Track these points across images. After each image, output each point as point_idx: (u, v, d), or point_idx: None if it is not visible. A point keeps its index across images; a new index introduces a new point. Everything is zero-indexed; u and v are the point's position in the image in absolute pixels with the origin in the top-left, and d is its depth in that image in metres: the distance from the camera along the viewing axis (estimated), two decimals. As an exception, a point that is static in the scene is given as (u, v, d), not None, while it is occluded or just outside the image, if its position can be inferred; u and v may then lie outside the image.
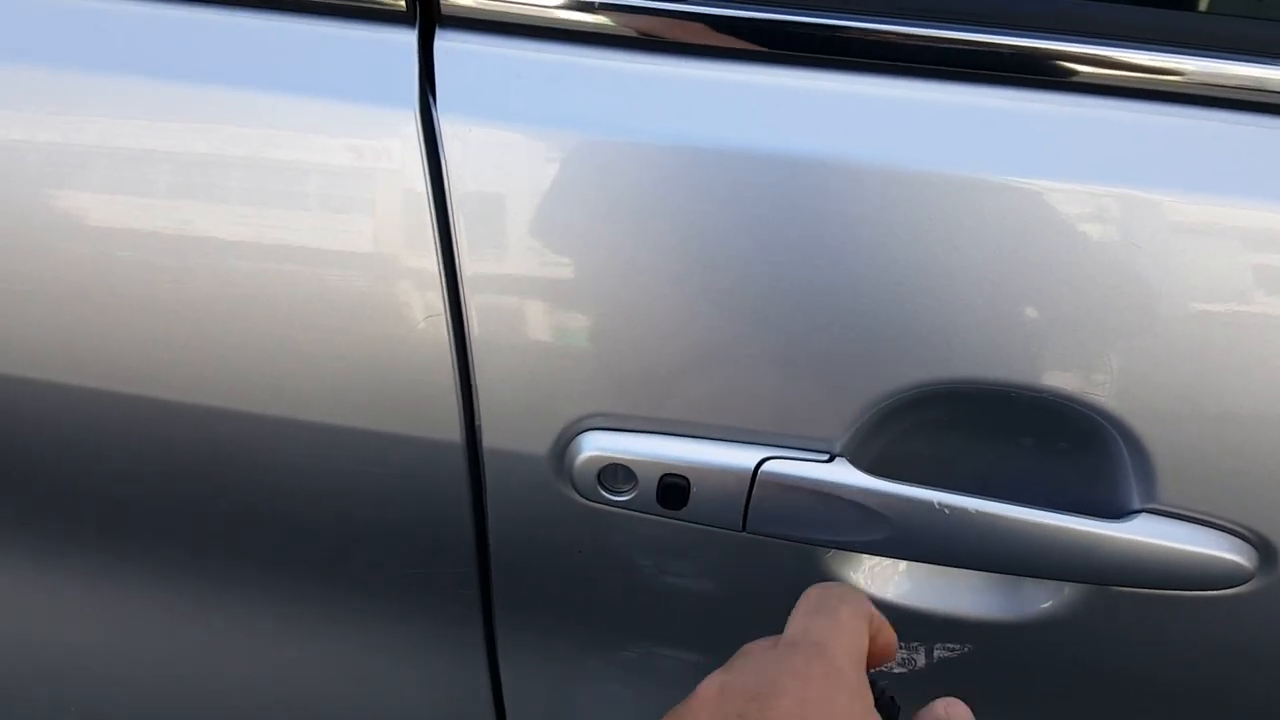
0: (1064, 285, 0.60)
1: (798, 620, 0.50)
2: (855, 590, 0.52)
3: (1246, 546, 0.64)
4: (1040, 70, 0.59)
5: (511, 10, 0.60)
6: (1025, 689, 0.78)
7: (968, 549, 0.66)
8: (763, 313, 0.62)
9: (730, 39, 0.60)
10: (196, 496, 0.77)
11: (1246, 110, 0.59)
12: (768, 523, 0.67)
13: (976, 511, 0.64)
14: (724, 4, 0.59)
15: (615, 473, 0.67)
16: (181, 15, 0.62)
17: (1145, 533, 0.64)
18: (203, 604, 0.87)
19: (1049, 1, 0.60)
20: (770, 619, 0.50)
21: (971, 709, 0.48)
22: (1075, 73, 0.59)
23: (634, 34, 0.60)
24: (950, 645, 0.74)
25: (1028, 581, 0.71)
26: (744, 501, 0.66)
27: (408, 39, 0.61)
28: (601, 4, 0.59)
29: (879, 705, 0.47)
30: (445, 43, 0.61)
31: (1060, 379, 0.62)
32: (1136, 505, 0.65)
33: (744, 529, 0.67)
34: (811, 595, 0.51)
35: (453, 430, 0.68)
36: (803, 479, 0.65)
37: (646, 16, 0.60)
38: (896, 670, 0.51)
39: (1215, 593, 0.66)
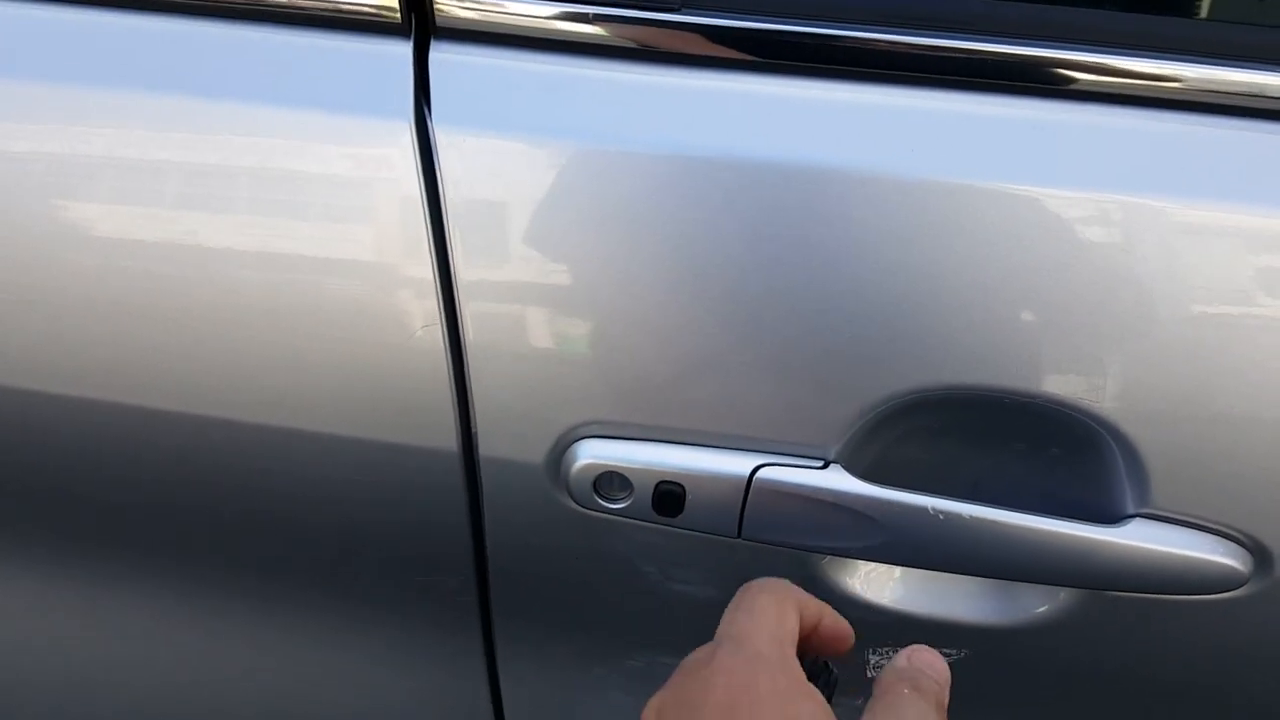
0: (1058, 291, 0.60)
1: (724, 620, 0.51)
2: (778, 581, 0.52)
3: (1241, 550, 0.65)
4: (1035, 78, 0.59)
5: (506, 21, 0.60)
6: (1022, 693, 0.78)
7: (962, 554, 0.66)
8: (757, 320, 0.62)
9: (722, 48, 0.60)
10: (195, 506, 0.77)
11: (1245, 116, 0.59)
12: (763, 530, 0.67)
13: (970, 517, 0.64)
14: (716, 14, 0.60)
15: (611, 480, 0.68)
16: (175, 28, 0.63)
17: (1139, 537, 0.64)
18: (203, 613, 0.87)
19: (1044, 9, 0.60)
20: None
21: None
22: (1073, 80, 0.59)
23: (627, 44, 0.60)
24: (946, 650, 0.74)
25: (1023, 586, 0.71)
26: (739, 509, 0.66)
27: (403, 50, 0.61)
28: (595, 15, 0.60)
29: (813, 677, 0.48)
30: (440, 54, 0.61)
31: (1054, 384, 0.62)
32: (1131, 510, 0.65)
33: (739, 536, 0.67)
34: (737, 594, 0.52)
35: (449, 439, 0.68)
36: (797, 486, 0.65)
37: (639, 27, 0.60)
38: (871, 675, 0.51)
39: (1210, 597, 0.66)
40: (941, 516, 0.64)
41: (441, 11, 0.60)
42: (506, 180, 0.61)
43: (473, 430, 0.68)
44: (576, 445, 0.67)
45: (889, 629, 0.71)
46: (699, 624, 0.49)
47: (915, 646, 0.52)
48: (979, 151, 0.59)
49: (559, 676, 0.85)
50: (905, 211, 0.59)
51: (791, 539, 0.68)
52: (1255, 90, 0.59)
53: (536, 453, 0.68)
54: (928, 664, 0.50)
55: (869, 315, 0.61)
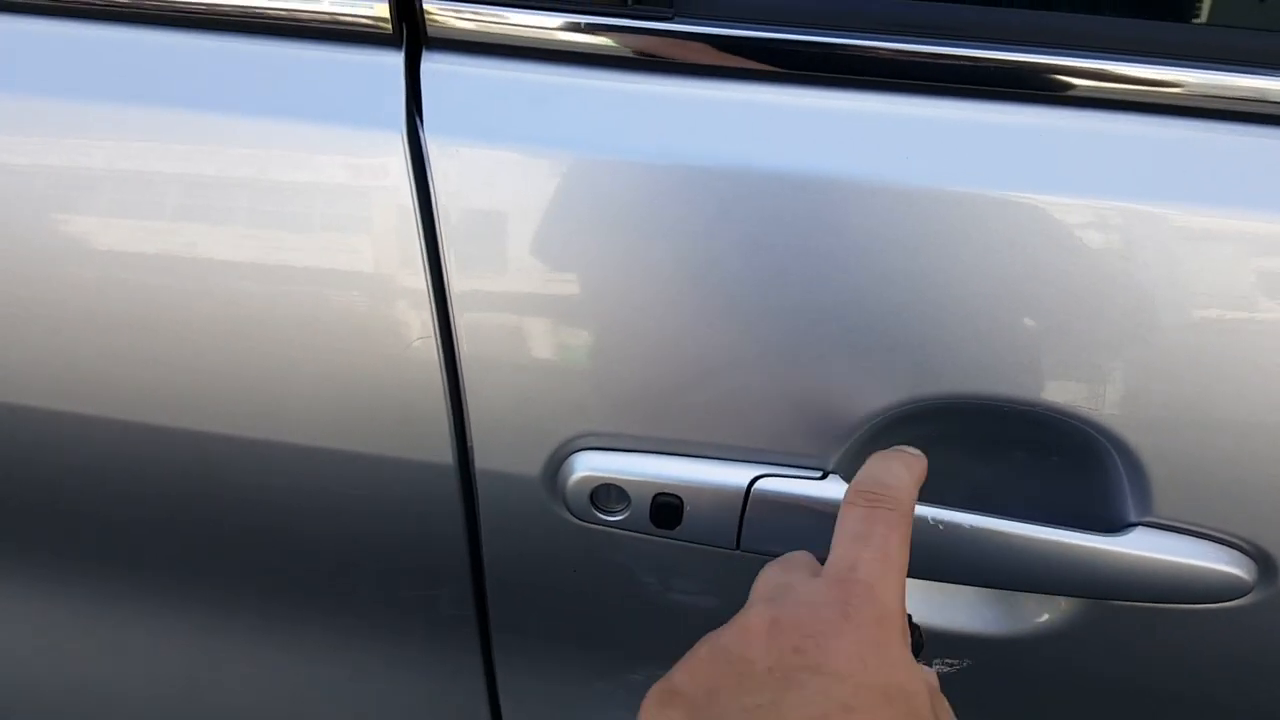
0: (1058, 299, 0.59)
1: (843, 548, 0.50)
2: (902, 508, 0.51)
3: (1244, 559, 0.64)
4: (1034, 84, 0.59)
5: (497, 31, 0.60)
6: (1025, 703, 0.77)
7: (963, 565, 0.65)
8: (754, 330, 0.62)
9: (717, 57, 0.60)
10: (194, 522, 0.77)
11: (1247, 122, 0.59)
12: (762, 541, 0.66)
13: (971, 527, 0.64)
14: (711, 23, 0.59)
15: (608, 493, 0.67)
16: (167, 41, 0.62)
17: (1142, 546, 0.64)
18: (203, 629, 0.87)
19: (1042, 15, 0.60)
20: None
21: None
22: (1072, 86, 0.59)
23: (620, 53, 0.60)
24: (949, 660, 0.74)
25: (1025, 596, 0.70)
26: (737, 520, 0.66)
27: (395, 61, 0.61)
28: (589, 24, 0.59)
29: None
30: (432, 64, 0.61)
31: (1054, 393, 0.61)
32: (1133, 519, 0.64)
33: (738, 547, 0.67)
34: (856, 514, 0.51)
35: (445, 451, 0.68)
36: (796, 496, 0.65)
37: (633, 35, 0.59)
38: None
39: (1214, 605, 0.66)
40: (941, 527, 0.64)
41: (433, 22, 0.60)
42: (499, 190, 0.61)
43: (469, 443, 0.68)
44: (573, 457, 0.67)
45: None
46: (699, 636, 0.48)
47: (873, 457, 0.53)
48: (978, 159, 0.59)
49: (558, 690, 0.84)
50: (903, 220, 0.59)
51: (791, 550, 0.67)
52: (1257, 95, 0.58)
53: (533, 465, 0.68)
54: (875, 476, 0.52)
55: (867, 324, 0.61)
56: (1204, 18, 0.64)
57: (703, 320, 0.62)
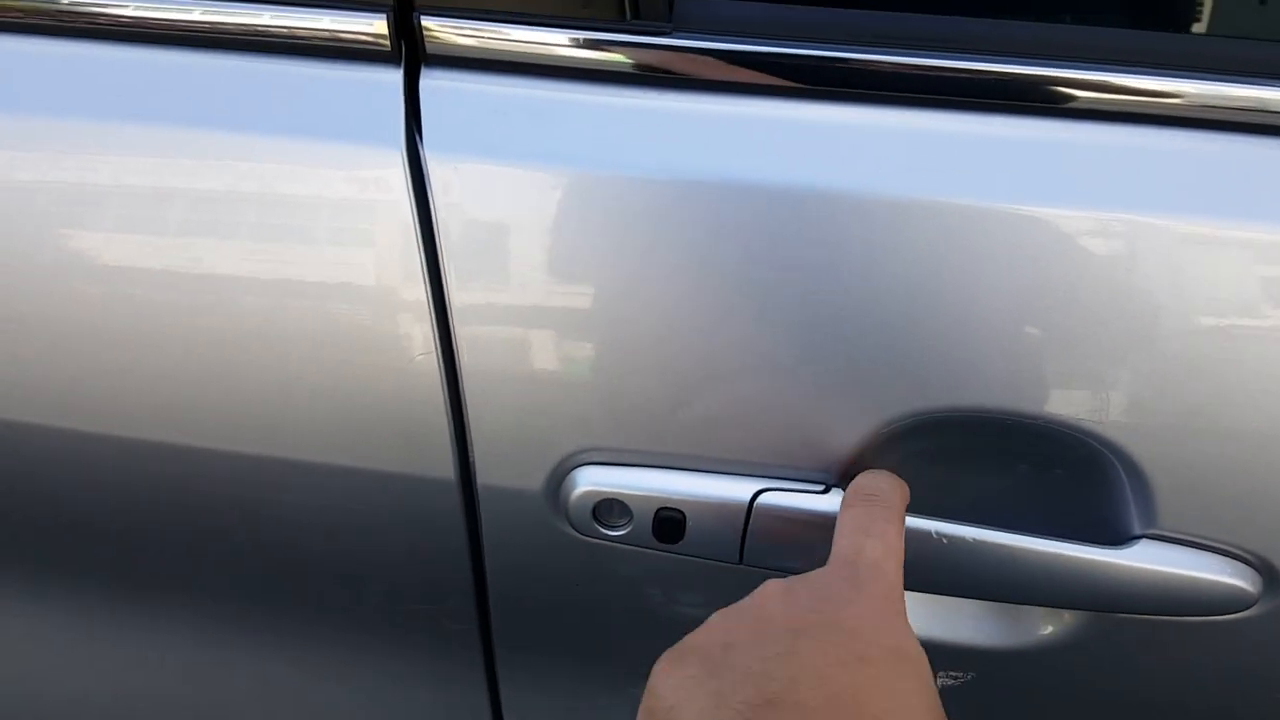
0: (1060, 311, 0.59)
1: (847, 539, 0.53)
2: (896, 508, 0.55)
3: (1249, 570, 0.64)
4: (1033, 96, 0.59)
5: (495, 47, 0.60)
6: (1030, 715, 0.77)
7: (966, 578, 0.65)
8: (755, 344, 0.62)
9: (715, 71, 0.59)
10: (200, 539, 0.77)
11: (1248, 132, 0.59)
12: (765, 555, 0.66)
13: (974, 540, 0.64)
14: (710, 37, 0.59)
15: (611, 507, 0.67)
16: (169, 60, 0.63)
17: (1146, 559, 0.63)
18: (205, 644, 0.87)
19: (1041, 27, 0.60)
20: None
21: None
22: (1072, 98, 0.59)
23: (618, 68, 0.60)
24: (952, 673, 0.74)
25: (1027, 608, 0.70)
26: (740, 534, 0.66)
27: (394, 78, 0.61)
28: (586, 39, 0.59)
29: None
30: (430, 81, 0.61)
31: (1057, 405, 0.61)
32: (1137, 531, 0.64)
33: (741, 561, 0.67)
34: (856, 513, 0.54)
35: (447, 467, 0.68)
36: (799, 511, 0.65)
37: (630, 50, 0.59)
38: None
39: (1219, 618, 0.65)
40: (945, 540, 0.64)
41: (432, 38, 0.60)
42: (499, 205, 0.61)
43: (470, 458, 0.67)
44: (575, 472, 0.67)
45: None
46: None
47: (860, 474, 0.57)
48: (979, 172, 0.59)
49: (561, 704, 0.84)
50: (903, 233, 0.59)
51: (794, 564, 0.67)
52: (1257, 105, 0.58)
53: (535, 480, 0.68)
54: (867, 483, 0.56)
55: (869, 338, 0.61)
56: (1204, 28, 0.64)
57: (704, 334, 0.62)
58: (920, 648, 0.49)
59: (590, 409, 0.65)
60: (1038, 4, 0.65)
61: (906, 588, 0.69)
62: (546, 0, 0.59)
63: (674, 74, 0.60)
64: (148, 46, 0.62)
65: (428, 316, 0.63)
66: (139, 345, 0.66)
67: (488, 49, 0.60)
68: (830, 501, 0.64)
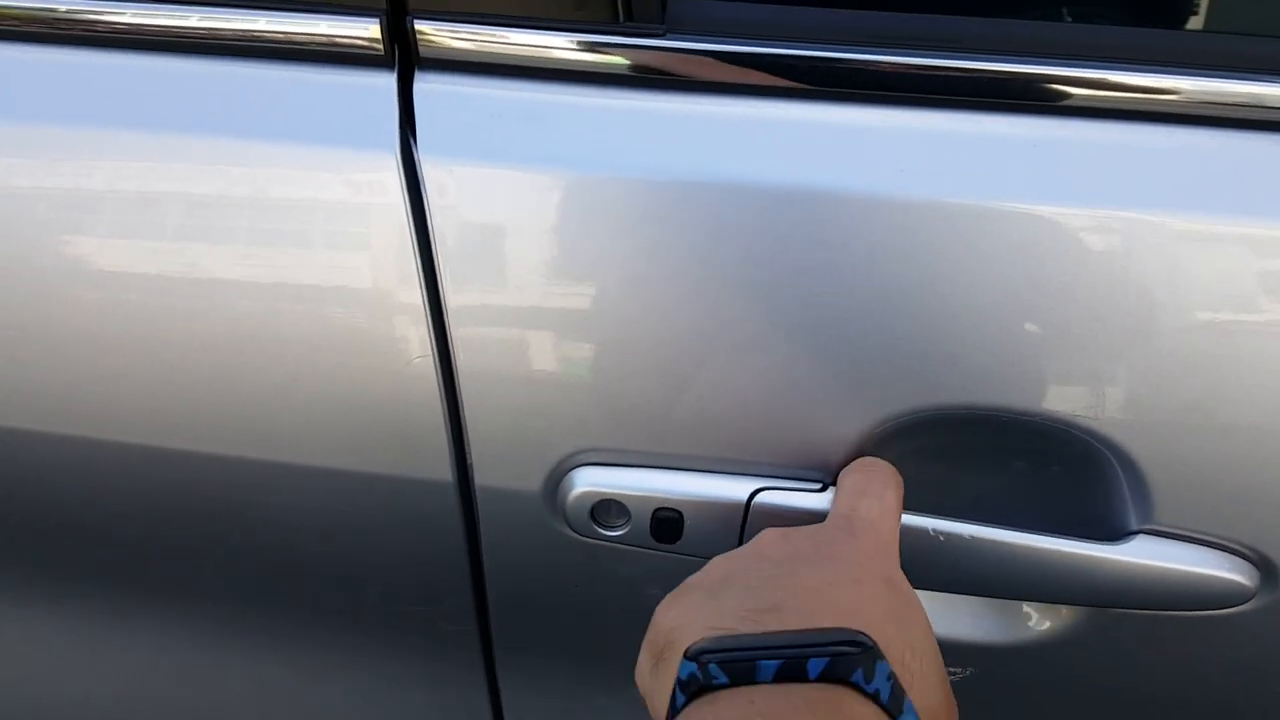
0: (1056, 308, 0.59)
1: (845, 499, 0.55)
2: (894, 474, 0.56)
3: (1246, 565, 0.64)
4: (1029, 94, 0.59)
5: (488, 50, 0.60)
6: (1027, 712, 0.77)
7: (963, 575, 0.65)
8: (752, 343, 0.62)
9: (709, 72, 0.60)
10: (197, 543, 0.77)
11: (1244, 128, 0.58)
12: (763, 554, 0.66)
13: (971, 537, 0.64)
14: (703, 38, 0.59)
15: (608, 508, 0.67)
16: (165, 66, 0.63)
17: (1143, 554, 0.63)
18: (203, 647, 0.87)
19: (1036, 25, 0.60)
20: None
21: None
22: (1068, 95, 0.58)
23: (611, 70, 0.60)
24: (952, 669, 0.74)
25: (1027, 604, 0.70)
26: (738, 533, 0.66)
27: (387, 82, 0.61)
28: (580, 42, 0.59)
29: None
30: (424, 85, 0.61)
31: (1053, 402, 0.61)
32: (1134, 526, 0.64)
33: (738, 561, 0.67)
34: (855, 477, 0.56)
35: (444, 469, 0.68)
36: (796, 509, 0.64)
37: (624, 52, 0.59)
38: None
39: (1216, 612, 0.65)
40: (942, 538, 0.64)
41: (425, 42, 0.60)
42: (494, 208, 0.61)
43: (468, 460, 0.68)
44: (573, 473, 0.67)
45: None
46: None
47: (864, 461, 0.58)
48: (975, 171, 0.59)
49: (559, 705, 0.84)
50: (900, 232, 0.59)
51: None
52: (1254, 101, 0.58)
53: (532, 481, 0.68)
54: (865, 460, 0.57)
55: (866, 337, 0.61)
56: (1200, 24, 0.64)
57: (701, 334, 0.62)
58: (912, 590, 0.51)
59: (587, 410, 0.65)
60: (1033, 2, 0.65)
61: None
62: (539, 3, 0.59)
63: (668, 75, 0.60)
64: (144, 53, 0.63)
65: (424, 319, 0.63)
66: (135, 350, 0.66)
67: (481, 52, 0.60)
68: (828, 500, 0.64)
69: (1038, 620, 0.70)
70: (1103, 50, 0.59)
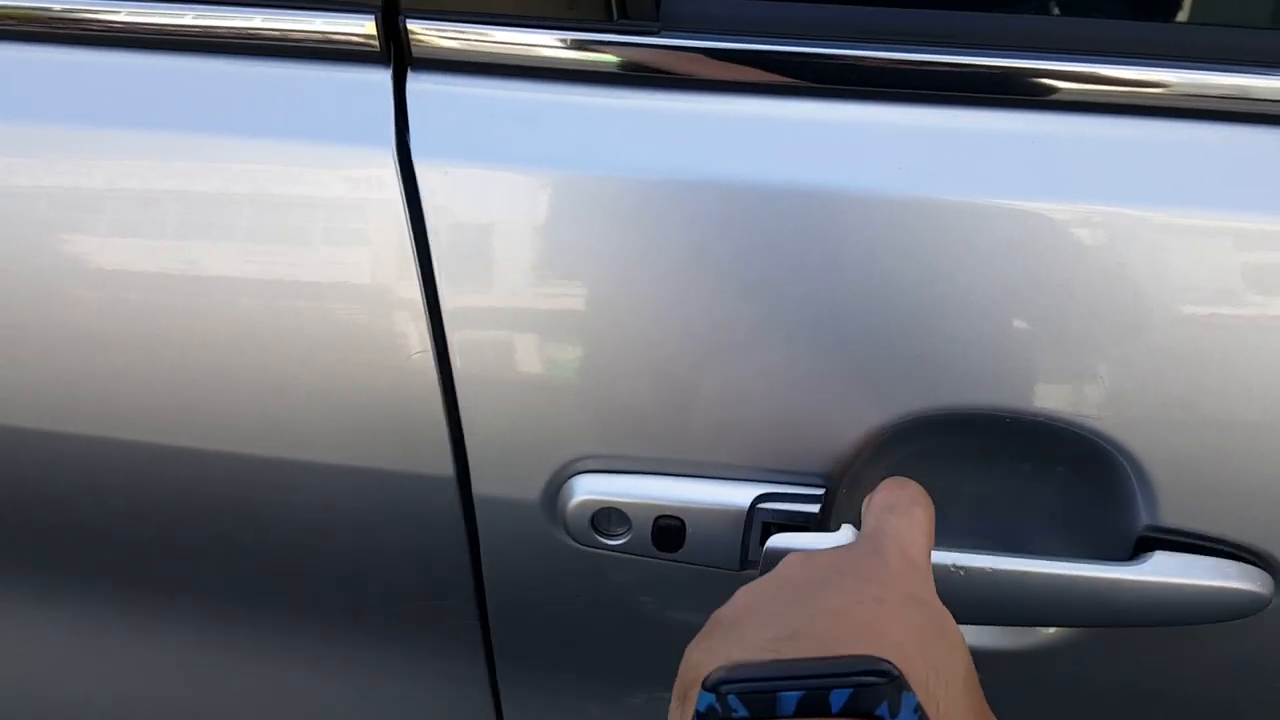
0: (1057, 306, 0.58)
1: (872, 518, 0.53)
2: (922, 492, 0.54)
3: (1261, 574, 0.63)
4: (1018, 89, 0.58)
5: (481, 49, 0.59)
6: (1029, 711, 0.76)
7: (988, 609, 0.63)
8: (751, 346, 0.61)
9: (704, 70, 0.59)
10: (193, 539, 0.76)
11: (1233, 121, 0.58)
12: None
13: (993, 570, 0.62)
14: (698, 36, 0.58)
15: (609, 516, 0.66)
16: (161, 65, 0.62)
17: (1161, 572, 0.62)
18: (203, 645, 0.87)
19: (1023, 19, 0.60)
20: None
21: None
22: (1055, 89, 0.58)
23: (606, 69, 0.59)
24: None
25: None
26: (741, 540, 0.65)
27: (383, 79, 0.61)
28: (574, 40, 0.59)
29: None
30: (417, 84, 0.60)
31: (1058, 402, 0.60)
32: (1141, 524, 0.63)
33: (742, 568, 0.66)
34: (882, 496, 0.54)
35: (444, 464, 0.67)
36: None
37: (618, 50, 0.59)
38: None
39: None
40: (963, 573, 0.62)
41: (417, 41, 0.59)
42: (489, 208, 0.60)
43: (466, 467, 0.67)
44: (572, 481, 0.66)
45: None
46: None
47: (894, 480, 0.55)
48: (970, 167, 0.58)
49: (564, 713, 0.83)
50: (899, 231, 0.58)
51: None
52: (1241, 93, 0.57)
53: (532, 489, 0.67)
54: (894, 479, 0.55)
55: (867, 338, 0.60)
56: (1186, 16, 0.63)
57: (699, 337, 0.61)
58: (942, 605, 0.49)
59: (585, 415, 0.64)
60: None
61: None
62: (532, 1, 0.58)
63: (662, 73, 0.59)
64: (140, 52, 0.62)
65: (422, 315, 0.62)
66: (133, 348, 0.66)
67: (473, 51, 0.59)
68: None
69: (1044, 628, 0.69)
70: (1091, 44, 0.58)
